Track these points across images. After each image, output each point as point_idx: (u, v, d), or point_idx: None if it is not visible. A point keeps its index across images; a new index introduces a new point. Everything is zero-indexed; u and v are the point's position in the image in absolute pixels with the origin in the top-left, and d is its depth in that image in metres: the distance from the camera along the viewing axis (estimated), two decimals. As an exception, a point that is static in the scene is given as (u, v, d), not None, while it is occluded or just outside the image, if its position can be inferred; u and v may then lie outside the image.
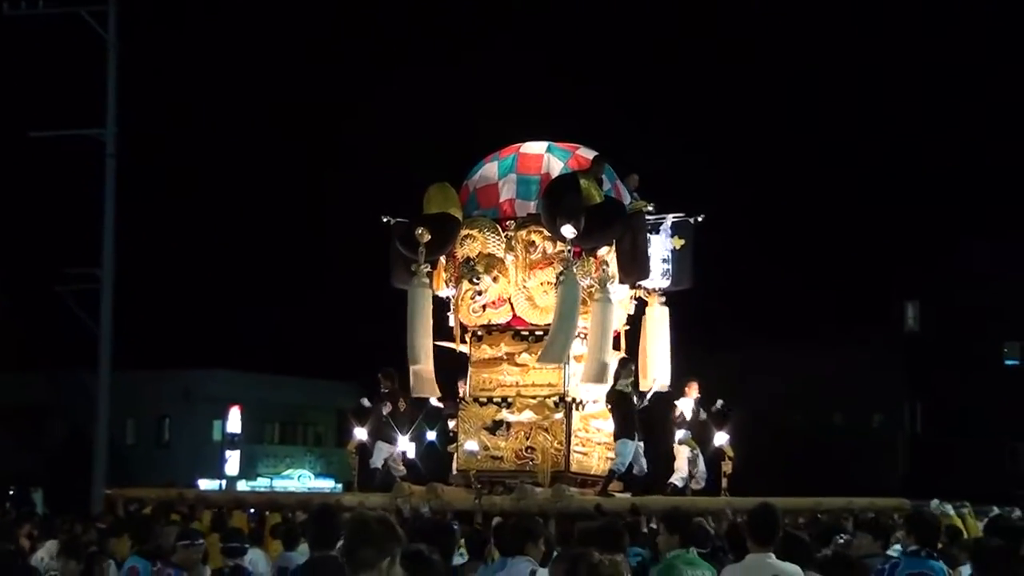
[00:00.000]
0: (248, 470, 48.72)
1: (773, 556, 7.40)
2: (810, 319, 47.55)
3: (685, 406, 17.70)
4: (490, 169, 17.93)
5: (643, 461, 16.87)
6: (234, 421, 47.74)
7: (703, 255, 18.64)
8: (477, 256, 17.49)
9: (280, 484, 47.66)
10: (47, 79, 43.94)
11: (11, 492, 40.63)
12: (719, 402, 18.03)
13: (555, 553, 8.44)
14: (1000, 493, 34.02)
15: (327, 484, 48.13)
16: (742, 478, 27.19)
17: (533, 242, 17.33)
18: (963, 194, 50.84)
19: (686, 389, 17.93)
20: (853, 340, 46.66)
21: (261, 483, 48.20)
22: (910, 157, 52.43)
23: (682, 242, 17.86)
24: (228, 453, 47.12)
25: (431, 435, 19.85)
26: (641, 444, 16.82)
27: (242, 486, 44.55)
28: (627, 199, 17.51)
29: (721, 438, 17.72)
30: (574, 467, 17.33)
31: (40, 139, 31.68)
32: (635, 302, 18.20)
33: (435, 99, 58.84)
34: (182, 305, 50.06)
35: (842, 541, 10.79)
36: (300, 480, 48.95)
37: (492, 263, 17.43)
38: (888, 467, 46.83)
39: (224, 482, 45.53)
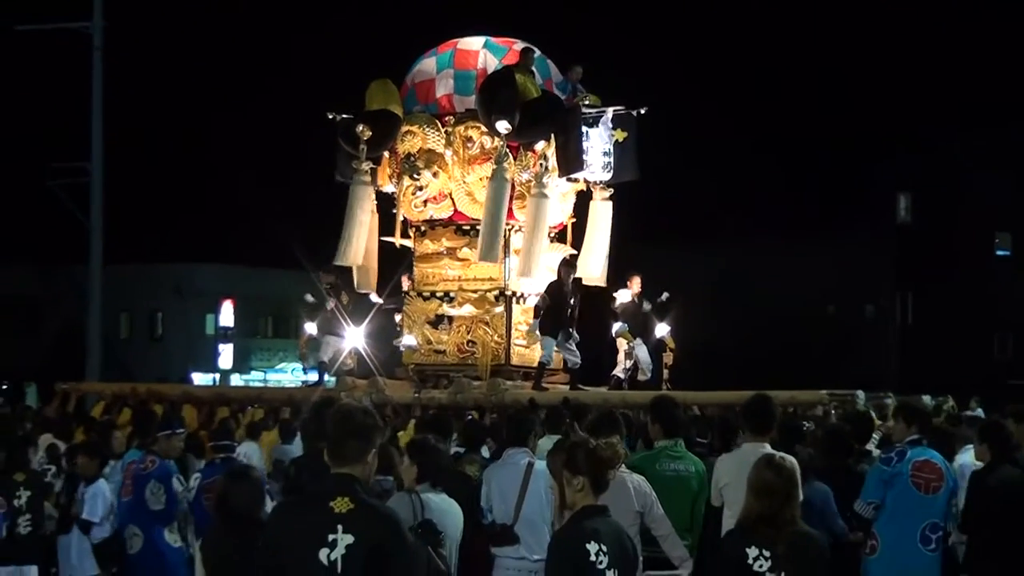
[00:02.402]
0: (242, 364, 49.20)
1: (768, 446, 7.43)
2: (803, 210, 47.45)
3: (623, 298, 17.73)
4: (428, 64, 17.95)
5: (575, 355, 16.97)
6: (227, 315, 48.21)
7: (649, 146, 18.58)
8: (417, 152, 17.59)
9: (274, 378, 48.16)
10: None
11: (4, 387, 41.14)
12: (664, 294, 18.05)
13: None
14: (989, 382, 34.29)
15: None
16: (732, 370, 27.44)
17: (471, 138, 17.40)
18: (957, 82, 50.30)
19: (628, 283, 17.97)
20: (845, 232, 46.60)
21: (255, 376, 48.69)
22: (902, 40, 51.73)
23: (624, 134, 17.79)
24: (221, 347, 47.67)
25: None
26: (575, 338, 16.91)
27: (236, 380, 45.10)
28: (560, 91, 17.49)
29: (662, 329, 17.77)
30: (514, 360, 17.55)
31: (27, 33, 31.64)
32: (575, 195, 18.24)
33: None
34: (173, 198, 50.16)
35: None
36: (293, 373, 49.36)
37: (432, 159, 17.54)
38: (880, 358, 47.04)
39: (218, 375, 46.10)
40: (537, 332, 16.88)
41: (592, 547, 5.38)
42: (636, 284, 17.85)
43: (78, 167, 30.26)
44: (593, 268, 18.01)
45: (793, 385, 15.75)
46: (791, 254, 46.36)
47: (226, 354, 47.47)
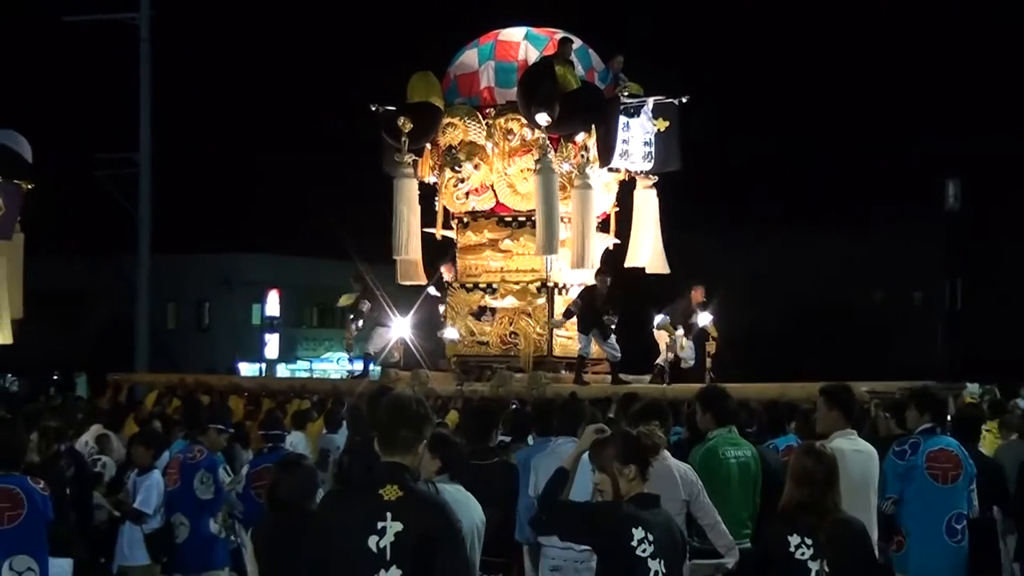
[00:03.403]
0: (288, 353, 49.43)
1: (855, 434, 7.42)
2: (850, 197, 47.20)
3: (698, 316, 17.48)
4: (470, 56, 18.09)
5: (615, 351, 16.97)
6: (273, 304, 48.42)
7: (691, 136, 18.58)
8: (459, 144, 17.72)
9: (319, 367, 48.46)
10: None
11: (55, 377, 41.63)
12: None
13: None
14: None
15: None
16: (777, 358, 27.33)
17: (511, 130, 17.52)
18: (1005, 67, 49.67)
19: (692, 293, 17.62)
20: (893, 218, 46.31)
21: (300, 366, 48.99)
22: (951, 22, 51.07)
23: (666, 124, 17.79)
24: (267, 336, 47.86)
25: None
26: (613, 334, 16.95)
27: (282, 370, 45.44)
28: (602, 80, 17.54)
29: (704, 318, 17.69)
30: (557, 351, 17.64)
31: (74, 23, 31.98)
32: (618, 185, 18.29)
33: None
34: (219, 189, 50.41)
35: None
36: (339, 363, 49.60)
37: (473, 150, 17.66)
38: (927, 345, 46.72)
39: (264, 365, 46.42)
40: (562, 319, 17.01)
41: (638, 533, 5.47)
42: (700, 294, 17.59)
43: (125, 158, 30.63)
44: (642, 257, 18.05)
45: (839, 374, 15.64)
46: (837, 241, 46.16)
47: (272, 344, 47.64)
